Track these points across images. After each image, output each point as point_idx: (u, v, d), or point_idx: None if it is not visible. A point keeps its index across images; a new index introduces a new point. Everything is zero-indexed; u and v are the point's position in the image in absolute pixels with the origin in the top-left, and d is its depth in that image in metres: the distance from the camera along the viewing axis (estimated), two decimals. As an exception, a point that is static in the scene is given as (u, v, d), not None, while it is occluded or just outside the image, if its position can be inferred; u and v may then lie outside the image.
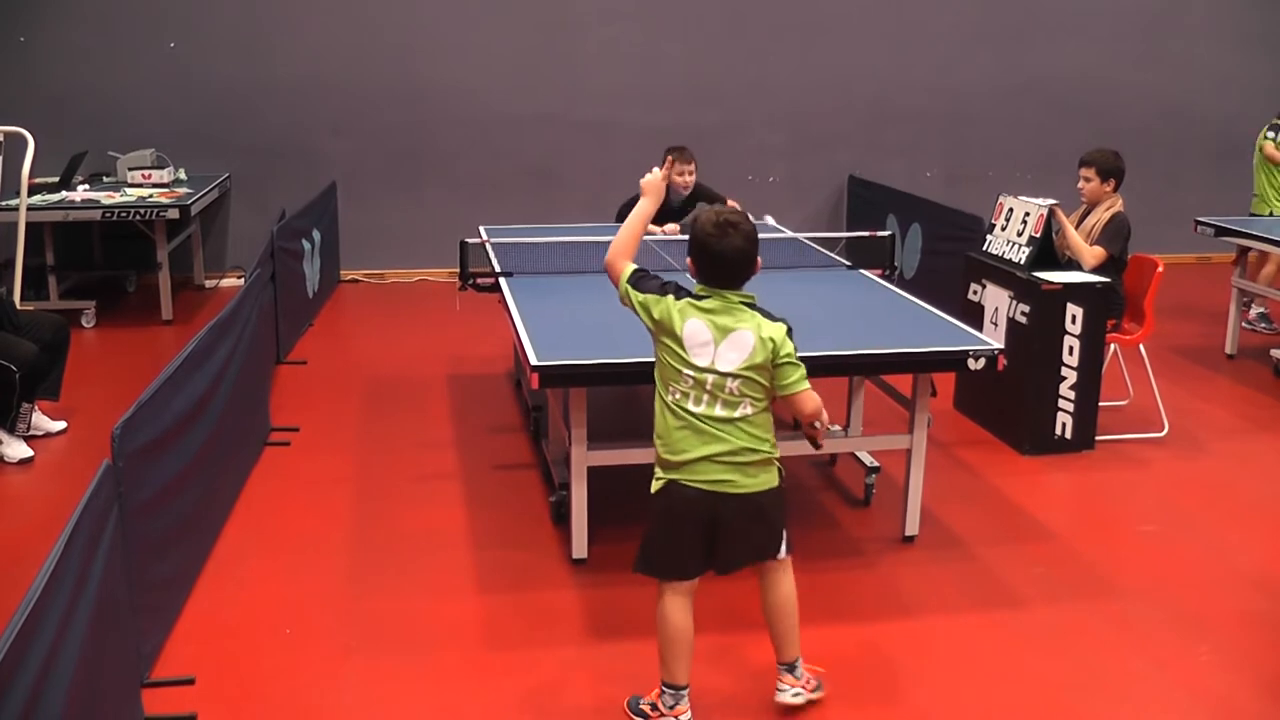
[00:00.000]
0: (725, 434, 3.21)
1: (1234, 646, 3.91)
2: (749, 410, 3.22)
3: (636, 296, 3.31)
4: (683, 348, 3.20)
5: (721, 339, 3.19)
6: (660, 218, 6.83)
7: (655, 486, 3.32)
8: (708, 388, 3.20)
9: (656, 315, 3.26)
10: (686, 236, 3.28)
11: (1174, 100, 10.17)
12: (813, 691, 3.51)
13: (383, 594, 4.21)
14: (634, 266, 3.37)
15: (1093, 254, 5.74)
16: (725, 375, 3.18)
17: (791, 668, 3.47)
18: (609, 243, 3.45)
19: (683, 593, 3.32)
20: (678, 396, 3.24)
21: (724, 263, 3.19)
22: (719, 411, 3.21)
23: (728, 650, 3.79)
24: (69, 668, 2.60)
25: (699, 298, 3.24)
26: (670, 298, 3.25)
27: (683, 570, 3.32)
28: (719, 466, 3.22)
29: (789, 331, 3.23)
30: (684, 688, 3.36)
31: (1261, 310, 7.96)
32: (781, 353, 3.19)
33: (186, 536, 4.12)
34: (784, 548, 3.41)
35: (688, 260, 3.28)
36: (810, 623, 3.93)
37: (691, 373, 3.20)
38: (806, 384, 3.25)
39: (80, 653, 2.68)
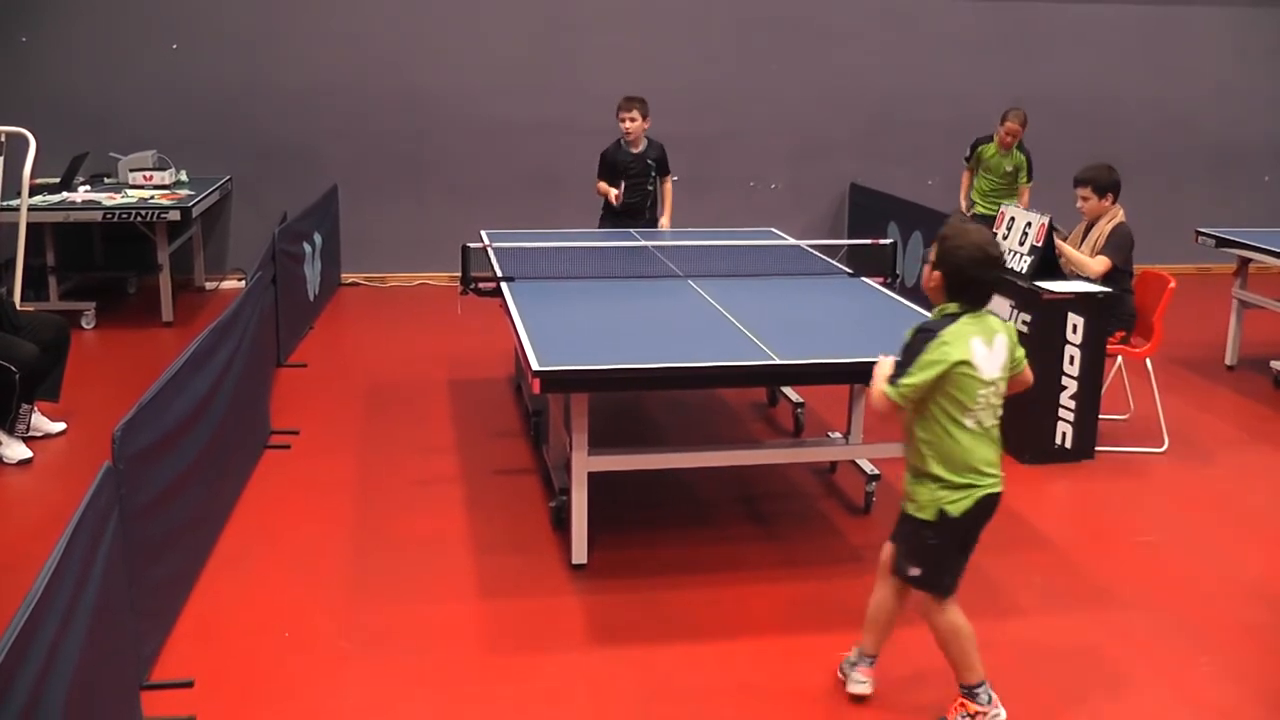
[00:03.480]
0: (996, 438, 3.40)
1: (1234, 658, 3.91)
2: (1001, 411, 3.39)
3: (912, 381, 3.25)
4: (974, 368, 3.27)
5: (991, 348, 3.32)
6: (613, 171, 7.03)
7: (936, 513, 3.34)
8: (993, 400, 3.34)
9: (942, 366, 3.24)
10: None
11: (1175, 111, 10.18)
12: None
13: (382, 598, 4.21)
14: (889, 383, 3.34)
15: (1098, 263, 5.74)
16: (995, 382, 3.33)
17: (972, 693, 3.51)
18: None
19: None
20: (978, 416, 3.32)
21: (986, 289, 3.34)
22: (991, 421, 3.36)
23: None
24: (68, 669, 2.59)
25: (955, 317, 3.31)
26: (936, 340, 3.26)
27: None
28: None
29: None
30: (982, 684, 3.46)
31: None
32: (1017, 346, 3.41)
33: (186, 539, 4.12)
34: None
35: (935, 273, 3.34)
36: (809, 631, 3.94)
37: (985, 391, 3.30)
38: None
39: (80, 655, 2.67)
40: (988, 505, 3.38)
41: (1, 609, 2.54)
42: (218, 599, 4.15)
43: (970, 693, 3.46)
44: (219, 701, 3.51)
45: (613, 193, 7.01)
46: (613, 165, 7.08)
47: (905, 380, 3.25)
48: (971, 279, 3.29)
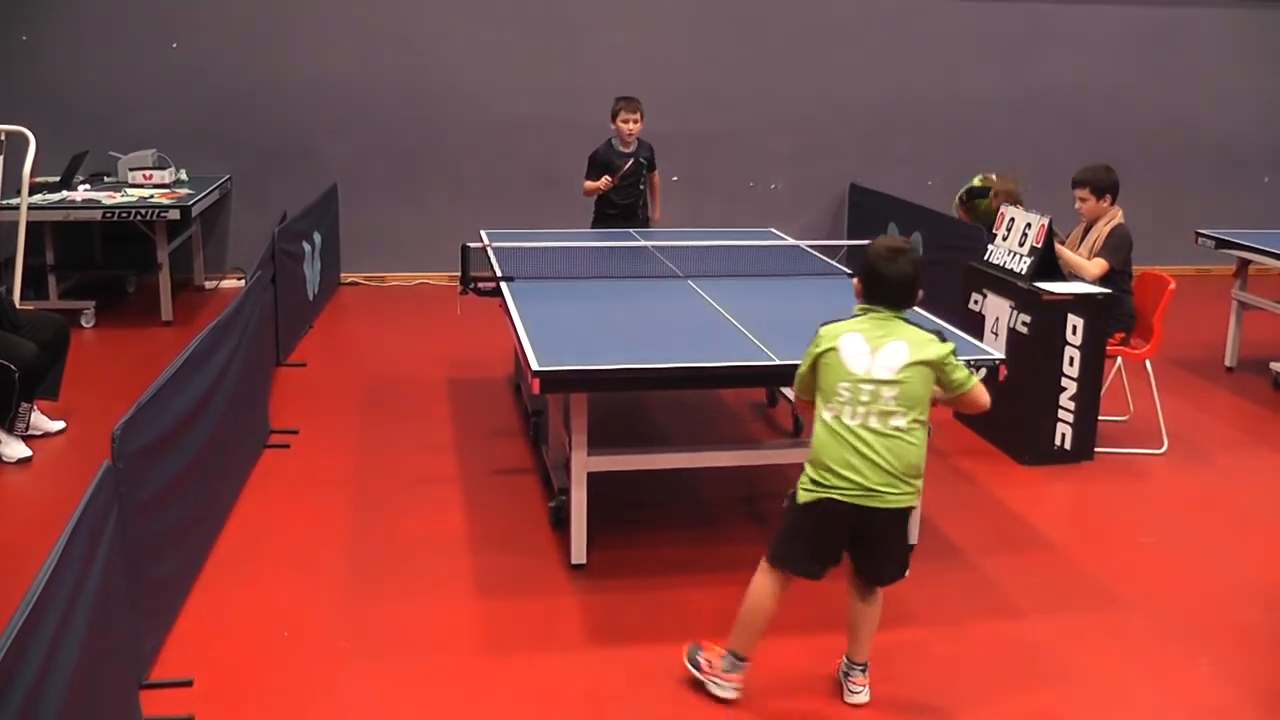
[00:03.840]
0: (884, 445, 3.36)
1: (1233, 660, 3.91)
2: (902, 423, 3.36)
3: (799, 372, 3.52)
4: (838, 358, 3.37)
5: (874, 347, 3.37)
6: (606, 168, 7.00)
7: (795, 488, 3.47)
8: (864, 399, 3.34)
9: (811, 356, 3.45)
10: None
11: (1175, 112, 10.19)
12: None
13: (381, 597, 4.21)
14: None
15: (1095, 265, 5.74)
16: (881, 383, 3.34)
17: (865, 669, 3.59)
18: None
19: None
20: (839, 410, 3.37)
21: (890, 285, 3.41)
22: (874, 423, 3.35)
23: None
24: (67, 669, 2.59)
25: (854, 316, 3.45)
26: (817, 335, 3.44)
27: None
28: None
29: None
30: (744, 660, 3.52)
31: None
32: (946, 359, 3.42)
33: (185, 538, 4.11)
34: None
35: (855, 281, 3.53)
36: (807, 631, 3.94)
37: (848, 384, 3.35)
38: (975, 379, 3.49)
39: (79, 654, 2.67)
40: (838, 512, 3.35)
41: (1, 608, 2.54)
42: (217, 598, 4.15)
43: (733, 655, 3.53)
44: (218, 701, 3.51)
45: (605, 179, 6.96)
46: (605, 166, 7.04)
47: (800, 373, 3.50)
48: (879, 276, 3.42)
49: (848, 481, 3.32)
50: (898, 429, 3.33)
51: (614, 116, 6.99)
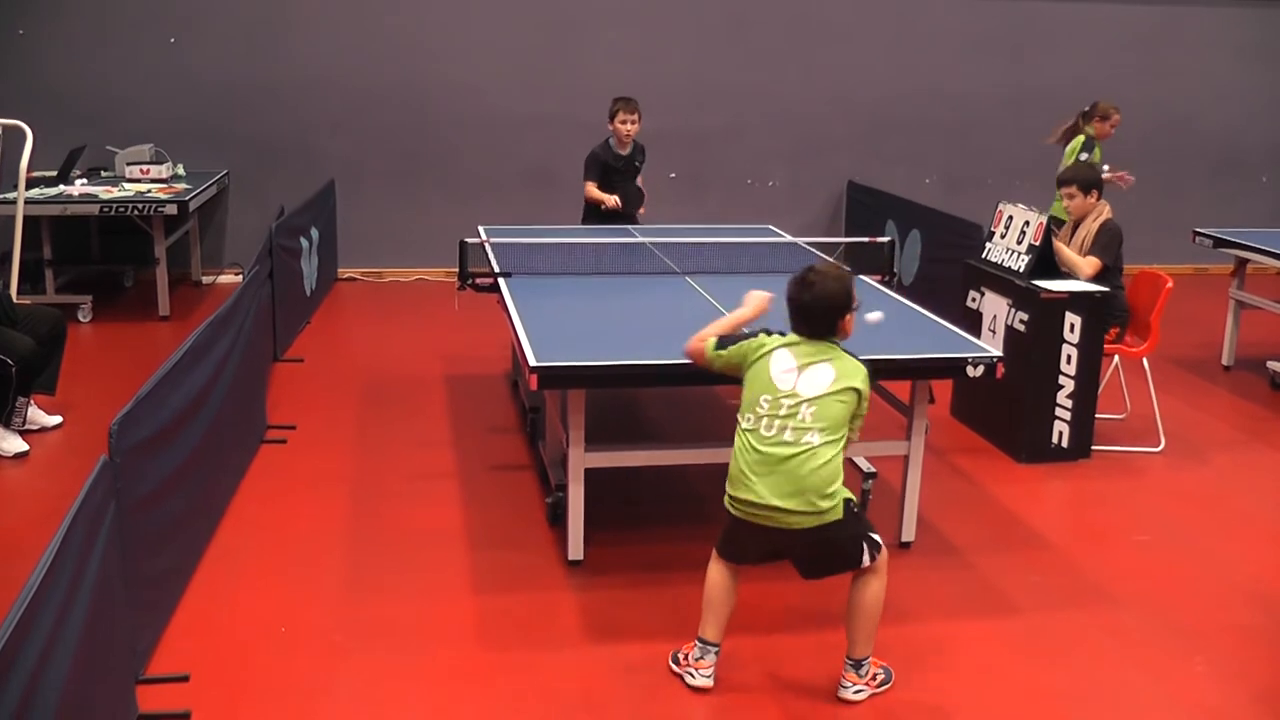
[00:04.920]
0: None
1: (1228, 659, 3.91)
2: (816, 440, 3.38)
3: (726, 351, 3.59)
4: (767, 368, 3.46)
5: (800, 366, 3.44)
6: (606, 172, 6.94)
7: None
8: (781, 415, 3.40)
9: (745, 346, 3.54)
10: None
11: (1173, 111, 10.18)
12: (878, 686, 3.59)
13: (378, 593, 4.20)
14: (716, 338, 3.62)
15: (1088, 264, 5.75)
16: (802, 400, 3.39)
17: (859, 665, 3.56)
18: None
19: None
20: (756, 420, 3.44)
21: (797, 311, 3.52)
22: (788, 437, 3.39)
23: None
24: (64, 663, 2.59)
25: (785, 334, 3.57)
26: (763, 336, 3.53)
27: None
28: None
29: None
30: (713, 645, 3.60)
31: None
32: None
33: (182, 533, 4.11)
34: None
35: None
36: (806, 628, 3.94)
37: (769, 398, 3.42)
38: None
39: (75, 648, 2.67)
40: (759, 528, 3.41)
41: (-3, 602, 2.54)
42: (213, 593, 4.15)
43: (701, 642, 3.61)
44: (214, 695, 3.51)
45: (611, 200, 6.90)
46: (604, 167, 6.99)
47: (725, 350, 3.59)
48: (788, 299, 3.54)
49: (750, 502, 3.39)
50: (810, 445, 3.37)
51: (612, 117, 6.95)
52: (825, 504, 3.36)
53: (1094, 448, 5.72)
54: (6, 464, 5.31)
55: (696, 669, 3.60)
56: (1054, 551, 4.71)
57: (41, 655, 2.45)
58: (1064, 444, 5.66)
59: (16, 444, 5.38)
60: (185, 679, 3.57)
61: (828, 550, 3.46)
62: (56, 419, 5.72)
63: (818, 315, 3.49)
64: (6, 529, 4.66)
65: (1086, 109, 7.98)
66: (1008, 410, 5.73)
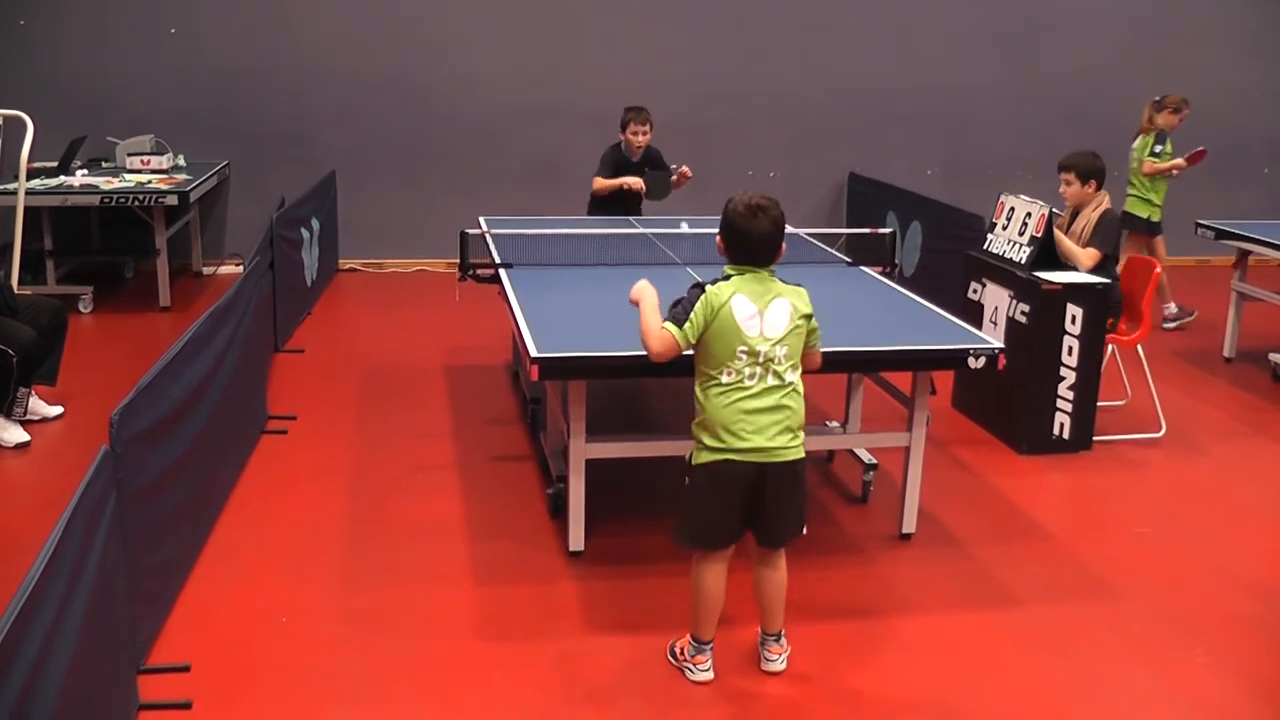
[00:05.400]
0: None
1: (1228, 651, 3.91)
2: (792, 375, 3.44)
3: (692, 324, 3.42)
4: (733, 320, 3.38)
5: (761, 308, 3.40)
6: (619, 170, 7.03)
7: (689, 460, 3.54)
8: (764, 360, 3.39)
9: (708, 310, 3.40)
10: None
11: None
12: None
13: (378, 584, 4.21)
14: (668, 323, 3.49)
15: (1088, 255, 5.73)
16: (775, 342, 3.39)
17: (779, 636, 3.70)
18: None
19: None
20: (739, 372, 3.40)
21: (751, 243, 3.41)
22: (772, 381, 3.41)
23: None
24: (65, 653, 2.59)
25: (729, 277, 3.45)
26: (704, 295, 3.42)
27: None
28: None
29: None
30: (707, 643, 3.63)
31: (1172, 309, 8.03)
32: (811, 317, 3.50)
33: (183, 524, 4.11)
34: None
35: (717, 239, 3.51)
36: (807, 619, 3.95)
37: (745, 347, 3.38)
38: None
39: (76, 639, 2.67)
40: (734, 474, 3.43)
41: (-2, 592, 2.54)
42: (214, 583, 4.15)
43: (697, 642, 3.63)
44: (215, 685, 3.52)
45: (635, 182, 6.97)
46: (615, 169, 7.05)
47: (688, 324, 3.41)
48: (740, 234, 3.41)
49: (748, 441, 3.40)
50: (791, 382, 3.44)
51: (623, 128, 6.97)
52: (802, 435, 3.49)
53: (1095, 437, 5.72)
54: (7, 454, 5.31)
55: (695, 664, 3.62)
56: (1055, 543, 4.71)
57: (43, 645, 2.45)
58: (1065, 435, 5.66)
59: (17, 434, 5.38)
60: (186, 669, 3.57)
61: (797, 493, 3.53)
62: (57, 409, 5.73)
63: (773, 242, 3.44)
64: (7, 519, 4.67)
65: (1157, 99, 8.02)
66: (1009, 402, 5.73)
